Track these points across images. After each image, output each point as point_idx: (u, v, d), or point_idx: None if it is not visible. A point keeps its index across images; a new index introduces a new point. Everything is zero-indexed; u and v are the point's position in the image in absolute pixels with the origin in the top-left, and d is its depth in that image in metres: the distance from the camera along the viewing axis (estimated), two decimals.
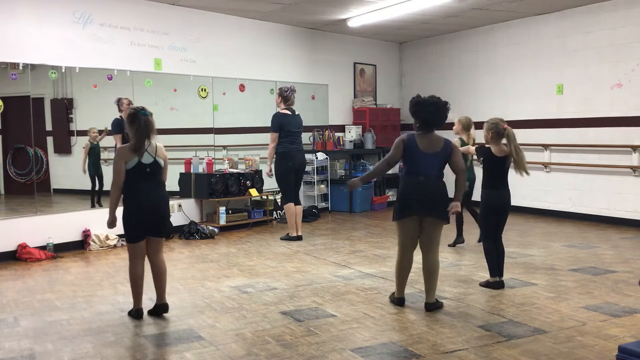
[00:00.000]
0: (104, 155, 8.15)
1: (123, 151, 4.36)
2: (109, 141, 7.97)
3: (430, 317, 4.34)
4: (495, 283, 5.08)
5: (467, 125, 6.73)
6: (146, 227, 4.38)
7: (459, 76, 10.50)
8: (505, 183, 5.07)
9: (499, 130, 4.95)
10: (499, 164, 5.01)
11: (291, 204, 7.47)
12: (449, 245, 6.74)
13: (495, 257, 5.08)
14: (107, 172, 7.98)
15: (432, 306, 4.51)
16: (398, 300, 4.65)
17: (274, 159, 7.58)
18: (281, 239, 7.53)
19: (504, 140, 4.99)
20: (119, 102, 7.55)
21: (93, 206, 7.84)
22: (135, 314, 4.44)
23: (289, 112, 7.46)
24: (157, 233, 4.45)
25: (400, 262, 4.59)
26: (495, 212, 5.07)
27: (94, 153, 8.07)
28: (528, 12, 8.89)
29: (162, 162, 4.42)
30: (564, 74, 8.81)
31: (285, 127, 7.40)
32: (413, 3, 8.07)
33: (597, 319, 4.26)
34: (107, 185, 7.97)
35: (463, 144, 6.56)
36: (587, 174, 8.52)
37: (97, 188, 8.05)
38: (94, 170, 8.03)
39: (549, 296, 4.85)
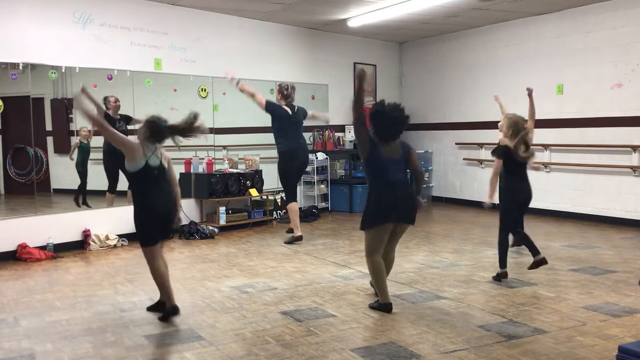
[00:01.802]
0: (93, 155, 8.12)
1: (137, 147, 4.27)
2: (97, 141, 7.92)
3: (430, 317, 4.34)
4: (504, 273, 5.31)
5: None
6: (160, 229, 4.41)
7: (459, 76, 10.50)
8: (527, 177, 5.33)
9: (518, 128, 5.14)
10: (519, 160, 5.18)
11: (294, 203, 7.40)
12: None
13: (507, 250, 5.36)
14: (93, 170, 8.03)
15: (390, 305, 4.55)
16: (387, 306, 4.48)
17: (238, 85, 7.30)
18: (285, 242, 7.35)
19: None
20: (105, 100, 7.69)
21: (79, 206, 7.78)
22: (172, 311, 4.34)
23: (288, 109, 7.40)
24: (166, 236, 4.54)
25: (376, 266, 4.51)
26: (519, 206, 5.35)
27: (83, 152, 8.06)
28: (528, 12, 8.89)
29: (165, 166, 4.43)
30: (564, 74, 8.81)
31: (280, 120, 7.28)
32: (413, 3, 8.07)
33: (597, 319, 4.26)
34: (91, 185, 8.00)
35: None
36: (587, 174, 8.53)
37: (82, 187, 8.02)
38: (82, 169, 8.01)
39: (549, 296, 4.85)
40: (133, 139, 4.44)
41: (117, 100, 7.72)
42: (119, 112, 7.79)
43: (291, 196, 7.46)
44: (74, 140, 8.12)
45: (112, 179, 7.76)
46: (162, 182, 4.39)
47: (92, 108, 4.15)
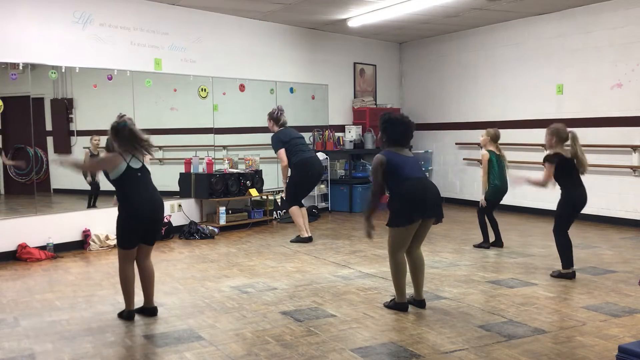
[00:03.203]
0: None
1: (115, 155, 4.38)
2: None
3: (430, 317, 4.34)
4: (570, 274, 5.36)
5: (495, 137, 6.71)
6: (142, 234, 4.39)
7: (459, 76, 10.50)
8: (581, 181, 5.44)
9: (561, 135, 5.32)
10: (571, 164, 5.34)
11: (295, 207, 7.37)
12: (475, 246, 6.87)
13: (571, 250, 5.38)
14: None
15: (424, 302, 4.56)
16: (403, 306, 4.49)
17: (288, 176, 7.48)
18: (291, 241, 7.38)
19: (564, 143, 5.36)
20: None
21: (89, 206, 7.82)
22: (127, 315, 4.41)
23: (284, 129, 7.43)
24: (151, 240, 4.49)
25: (399, 264, 4.47)
26: (576, 210, 5.43)
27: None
28: (528, 12, 8.89)
29: (149, 167, 4.43)
30: (564, 74, 8.81)
31: (288, 140, 7.33)
32: (413, 3, 8.07)
33: (597, 319, 4.26)
34: (104, 186, 8.04)
35: (493, 156, 6.61)
36: (587, 174, 8.48)
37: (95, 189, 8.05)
38: (92, 178, 8.02)
39: (549, 296, 4.85)
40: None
41: (97, 139, 7.78)
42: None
43: (295, 202, 7.39)
44: (83, 143, 8.13)
45: None
46: (147, 184, 4.41)
47: (71, 161, 4.50)
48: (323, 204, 10.04)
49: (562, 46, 8.82)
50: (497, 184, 6.60)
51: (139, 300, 4.49)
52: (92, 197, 7.94)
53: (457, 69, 10.54)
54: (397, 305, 4.52)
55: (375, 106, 10.97)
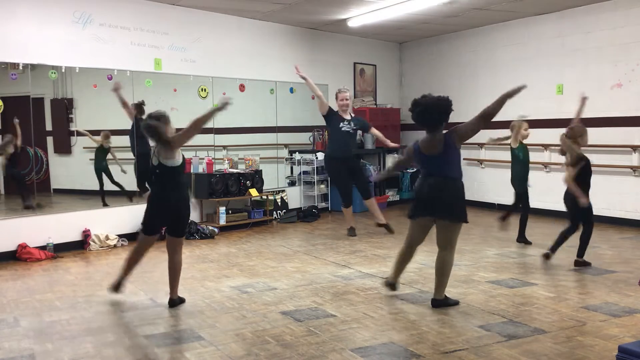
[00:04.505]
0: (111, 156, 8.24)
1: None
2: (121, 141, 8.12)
3: (430, 317, 4.34)
4: (583, 262, 5.77)
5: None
6: (161, 224, 4.74)
7: (459, 76, 10.50)
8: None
9: (573, 137, 5.87)
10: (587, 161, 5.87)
11: (347, 209, 7.77)
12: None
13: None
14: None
15: (436, 302, 4.57)
16: (387, 283, 4.93)
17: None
18: (349, 235, 7.72)
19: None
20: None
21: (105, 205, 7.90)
22: (111, 286, 4.86)
23: (342, 115, 7.69)
24: (174, 233, 4.67)
25: (402, 251, 4.84)
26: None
27: (101, 154, 8.11)
28: (528, 12, 8.89)
29: (167, 163, 4.50)
30: (564, 74, 8.81)
31: (332, 125, 7.67)
32: (413, 3, 8.06)
33: (597, 319, 4.26)
34: (108, 186, 8.08)
35: (521, 148, 6.80)
36: None
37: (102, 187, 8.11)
38: (102, 169, 8.08)
39: (549, 296, 4.85)
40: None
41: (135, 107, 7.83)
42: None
43: (343, 201, 7.78)
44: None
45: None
46: (166, 181, 4.56)
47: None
48: (323, 204, 10.04)
49: (562, 46, 8.81)
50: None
51: (145, 299, 4.50)
52: (100, 195, 8.05)
53: (457, 69, 10.53)
54: (385, 282, 5.00)
55: (375, 106, 10.97)
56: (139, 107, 7.76)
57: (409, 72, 11.54)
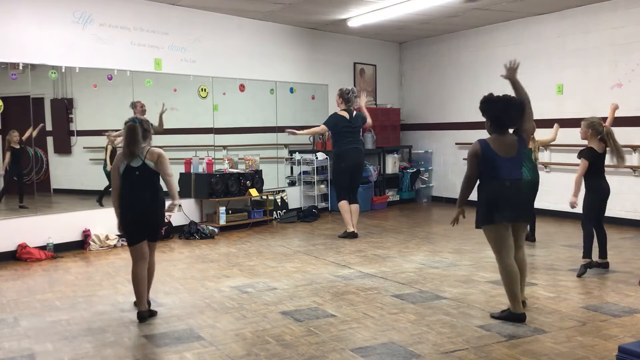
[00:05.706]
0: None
1: (117, 158, 4.51)
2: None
3: (430, 317, 4.34)
4: (588, 264, 5.50)
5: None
6: (141, 230, 4.44)
7: (459, 76, 10.50)
8: (604, 174, 5.62)
9: (597, 129, 5.50)
10: (601, 159, 5.55)
11: (344, 202, 7.58)
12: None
13: (592, 241, 5.54)
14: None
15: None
16: (519, 317, 4.19)
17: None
18: (339, 236, 7.61)
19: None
20: (133, 105, 7.68)
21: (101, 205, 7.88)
22: (139, 316, 4.37)
23: (346, 115, 7.58)
24: (150, 237, 4.52)
25: (505, 268, 4.20)
26: (600, 200, 5.57)
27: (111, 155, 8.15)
28: (528, 12, 8.89)
29: (151, 164, 4.40)
30: (564, 74, 8.81)
31: (341, 128, 7.54)
32: (413, 3, 8.06)
33: (597, 319, 4.26)
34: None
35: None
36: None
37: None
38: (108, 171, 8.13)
39: (549, 296, 4.85)
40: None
41: (143, 105, 7.70)
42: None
43: (340, 196, 7.66)
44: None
45: None
46: (144, 183, 4.42)
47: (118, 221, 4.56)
48: (323, 204, 10.04)
49: (562, 46, 8.81)
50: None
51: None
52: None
53: (457, 69, 10.53)
54: (512, 316, 4.19)
55: (375, 106, 10.97)
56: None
57: (409, 72, 11.54)
